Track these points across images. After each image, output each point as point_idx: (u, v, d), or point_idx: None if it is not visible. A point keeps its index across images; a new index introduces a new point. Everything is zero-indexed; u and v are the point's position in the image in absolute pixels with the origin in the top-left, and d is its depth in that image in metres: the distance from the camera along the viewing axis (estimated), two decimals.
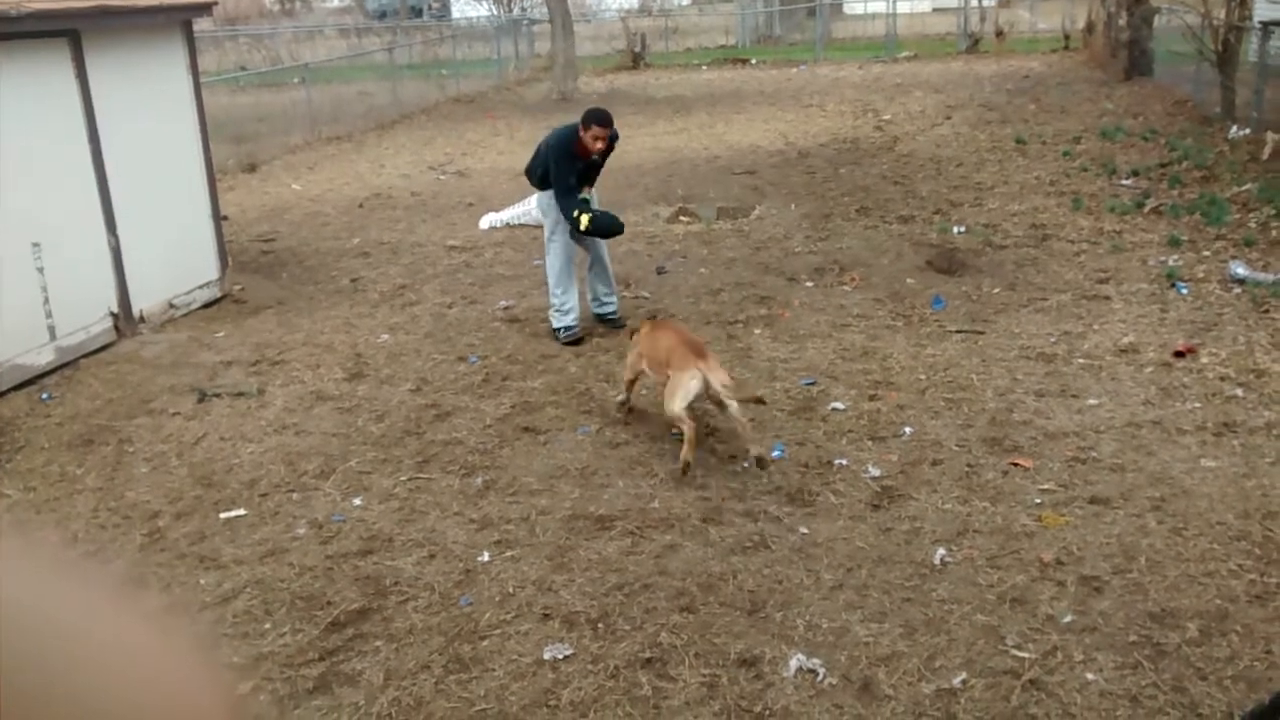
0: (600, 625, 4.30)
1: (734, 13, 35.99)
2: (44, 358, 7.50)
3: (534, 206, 10.53)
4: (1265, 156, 11.67)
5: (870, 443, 5.81)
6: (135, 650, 0.59)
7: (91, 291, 7.94)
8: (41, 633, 0.54)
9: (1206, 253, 8.82)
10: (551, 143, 7.51)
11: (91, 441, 6.46)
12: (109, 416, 6.82)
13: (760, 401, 5.89)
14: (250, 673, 4.11)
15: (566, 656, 4.11)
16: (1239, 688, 3.70)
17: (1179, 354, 6.71)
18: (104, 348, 7.97)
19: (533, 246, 10.11)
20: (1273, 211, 9.65)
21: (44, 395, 7.18)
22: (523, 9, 36.31)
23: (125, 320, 8.22)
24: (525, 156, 8.29)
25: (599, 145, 7.29)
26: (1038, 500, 5.08)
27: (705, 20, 36.93)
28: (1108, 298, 7.91)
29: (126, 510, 5.57)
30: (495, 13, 36.33)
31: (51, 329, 7.56)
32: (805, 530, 4.93)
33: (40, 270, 7.45)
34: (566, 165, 7.35)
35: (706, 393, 5.47)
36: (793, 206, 11.53)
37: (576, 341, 7.59)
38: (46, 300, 7.50)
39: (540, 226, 10.52)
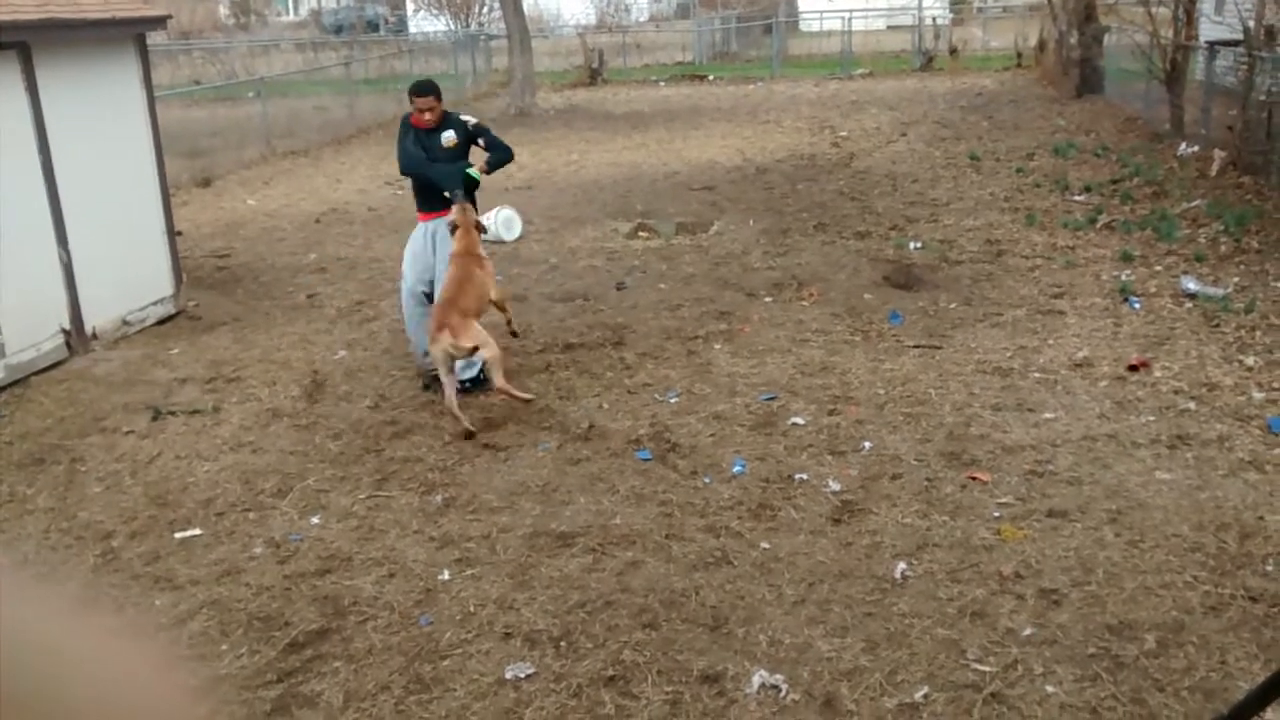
0: (562, 643, 4.27)
1: (691, 29, 36.23)
2: None
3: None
4: (1213, 173, 11.90)
5: (830, 457, 5.83)
6: (102, 668, 0.58)
7: (42, 308, 7.80)
8: (8, 652, 0.53)
9: (1158, 268, 8.97)
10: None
11: (43, 461, 6.33)
12: (60, 435, 6.70)
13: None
14: (207, 695, 4.05)
15: (528, 675, 4.08)
16: (1196, 698, 3.75)
17: (1133, 368, 6.80)
18: (55, 365, 7.83)
19: (493, 260, 10.05)
20: (1221, 227, 9.83)
21: None
22: (480, 24, 36.32)
23: (77, 337, 8.08)
24: None
25: (426, 117, 6.96)
26: (996, 514, 5.12)
27: (663, 36, 37.10)
28: (1062, 312, 8.01)
29: (79, 530, 5.47)
30: (453, 28, 36.31)
31: (1, 346, 7.42)
32: (766, 545, 4.93)
33: None
34: (401, 133, 7.05)
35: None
36: (751, 222, 11.58)
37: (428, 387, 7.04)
38: None
39: (500, 243, 10.51)
